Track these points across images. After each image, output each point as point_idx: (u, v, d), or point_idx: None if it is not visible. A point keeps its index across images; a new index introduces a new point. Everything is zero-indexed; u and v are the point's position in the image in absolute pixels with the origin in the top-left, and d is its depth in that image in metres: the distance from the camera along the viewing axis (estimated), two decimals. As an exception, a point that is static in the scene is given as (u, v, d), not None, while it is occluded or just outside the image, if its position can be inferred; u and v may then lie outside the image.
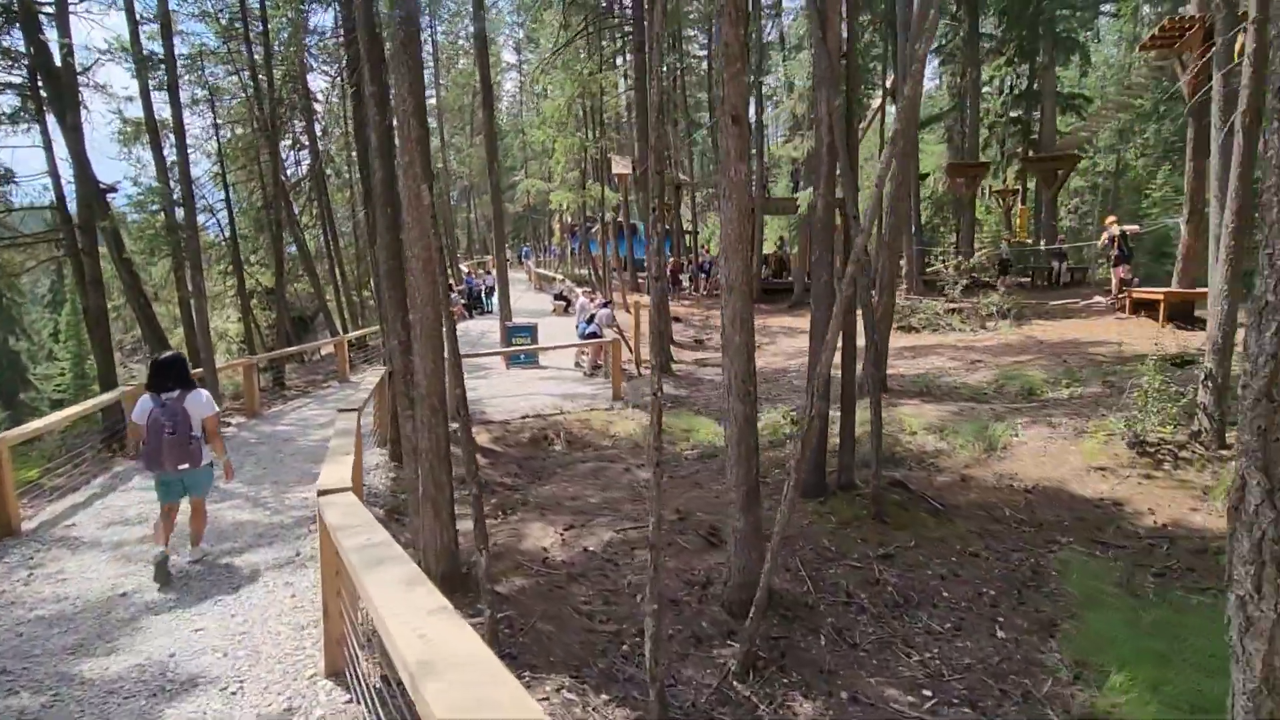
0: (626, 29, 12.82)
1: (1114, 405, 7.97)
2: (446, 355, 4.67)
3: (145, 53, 12.32)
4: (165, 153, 12.45)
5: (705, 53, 28.70)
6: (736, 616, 4.21)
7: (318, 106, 22.24)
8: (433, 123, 34.74)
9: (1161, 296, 13.34)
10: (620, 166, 30.76)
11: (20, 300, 32.52)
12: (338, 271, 21.27)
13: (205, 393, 4.92)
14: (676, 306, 21.56)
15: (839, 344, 6.03)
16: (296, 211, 19.88)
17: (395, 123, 5.95)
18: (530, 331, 15.78)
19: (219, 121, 16.16)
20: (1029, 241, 22.92)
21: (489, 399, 11.31)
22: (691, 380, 13.28)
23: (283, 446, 9.08)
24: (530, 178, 33.05)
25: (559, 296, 26.81)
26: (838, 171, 6.03)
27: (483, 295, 26.26)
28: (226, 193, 15.41)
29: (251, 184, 18.90)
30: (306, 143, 21.28)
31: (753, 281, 6.08)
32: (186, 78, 15.48)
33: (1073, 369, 10.17)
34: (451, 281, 28.47)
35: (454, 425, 4.82)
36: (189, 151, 12.20)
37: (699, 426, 9.26)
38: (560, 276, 31.06)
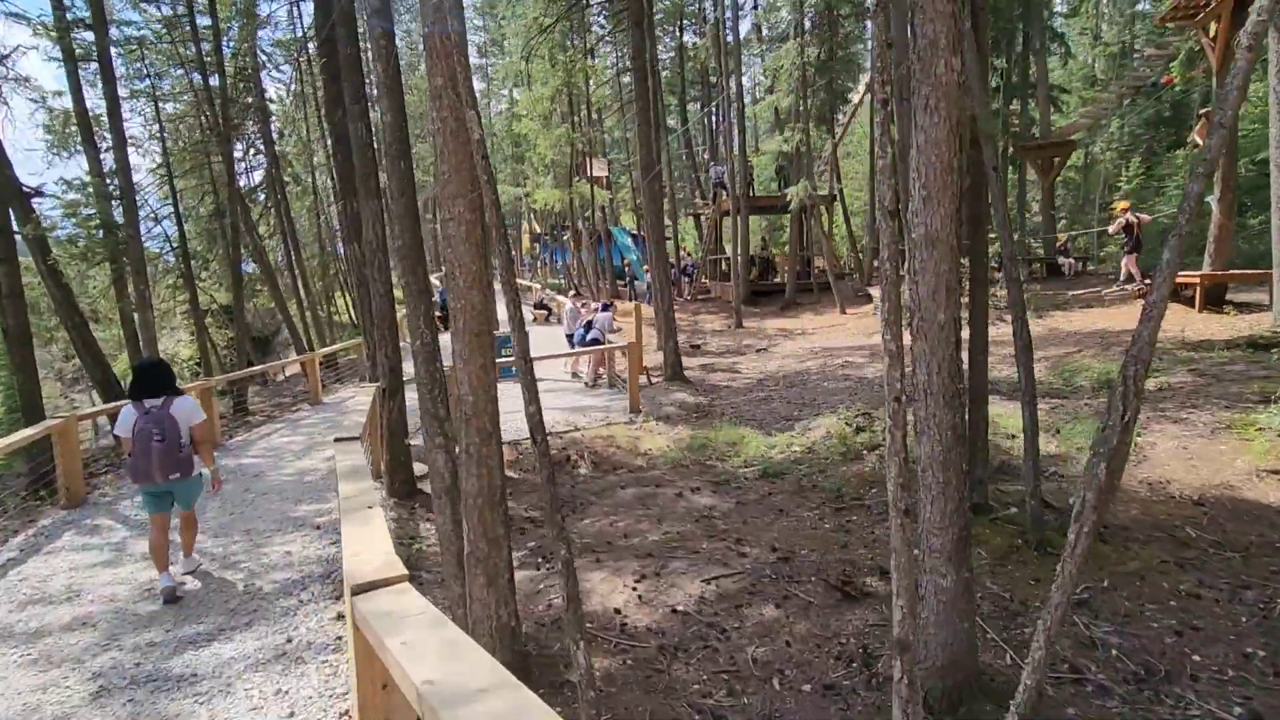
0: (620, 9, 11.69)
1: (1221, 395, 6.99)
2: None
3: (75, 38, 10.71)
4: (104, 157, 10.86)
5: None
6: (938, 712, 2.98)
7: (272, 107, 20.59)
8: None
9: (1198, 280, 12.62)
10: (598, 168, 29.61)
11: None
12: (300, 285, 19.56)
13: (192, 398, 4.68)
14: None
15: (955, 335, 4.86)
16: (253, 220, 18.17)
17: (378, 80, 4.65)
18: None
19: (164, 120, 14.43)
20: (1012, 236, 22.36)
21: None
22: (706, 387, 12.06)
23: (252, 484, 7.57)
24: (500, 184, 31.59)
25: (540, 305, 25.43)
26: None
27: (457, 306, 24.72)
28: (174, 196, 13.72)
29: (202, 189, 17.14)
30: (261, 147, 19.61)
31: (957, 234, 5.01)
32: (125, 69, 13.80)
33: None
34: (436, 288, 26.90)
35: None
36: (129, 149, 10.62)
37: (744, 439, 8.02)
38: (539, 285, 29.67)
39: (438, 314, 24.18)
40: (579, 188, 19.02)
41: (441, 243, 3.25)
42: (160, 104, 14.61)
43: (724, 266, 29.48)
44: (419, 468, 7.70)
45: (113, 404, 10.68)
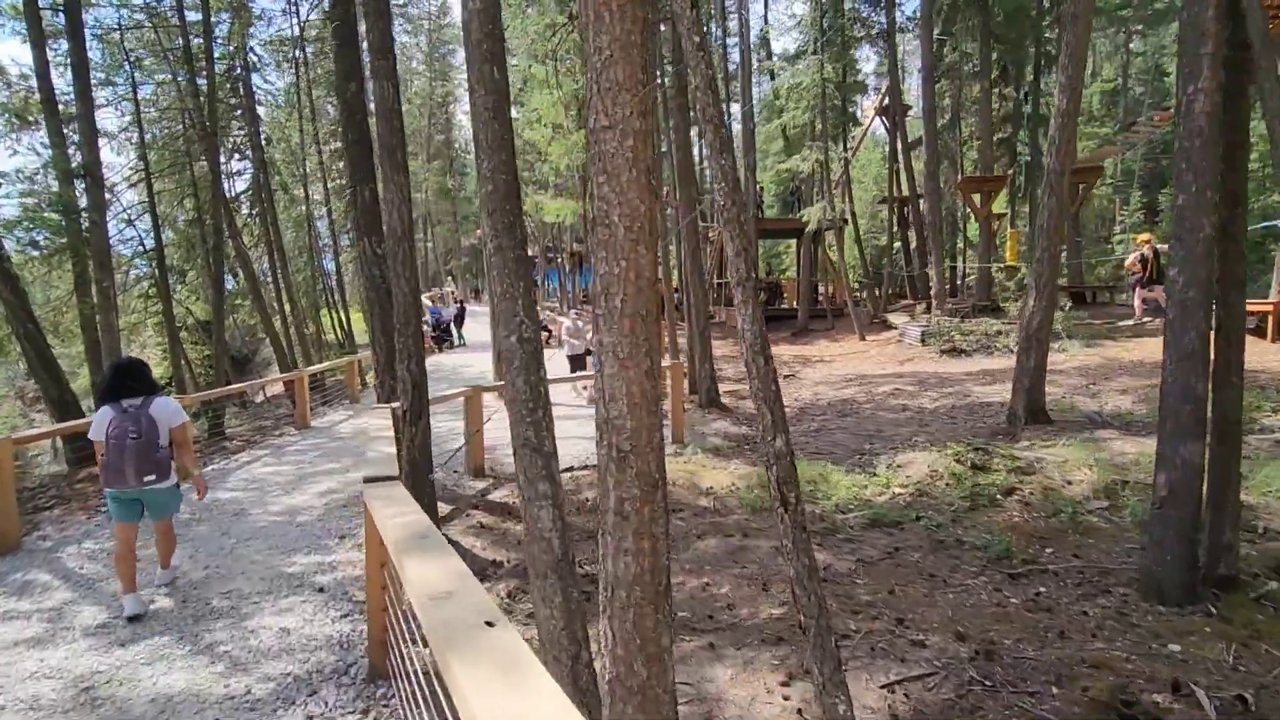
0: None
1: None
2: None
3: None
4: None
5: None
6: None
7: (261, 111, 19.34)
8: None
9: (1270, 308, 11.76)
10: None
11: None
12: (286, 300, 18.13)
13: (173, 400, 4.47)
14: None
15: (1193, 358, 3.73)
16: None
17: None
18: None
19: (143, 115, 13.09)
20: (1021, 267, 21.66)
21: (505, 446, 8.62)
22: (745, 415, 10.84)
23: (232, 525, 6.18)
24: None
25: (547, 327, 24.19)
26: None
27: (450, 326, 23.36)
28: (150, 195, 12.33)
29: (181, 192, 15.75)
30: (249, 152, 18.31)
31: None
32: (101, 56, 12.51)
33: (1257, 389, 8.21)
34: (426, 307, 25.57)
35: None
36: (100, 141, 9.31)
37: (826, 477, 6.79)
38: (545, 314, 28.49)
39: (430, 334, 22.88)
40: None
41: (605, 182, 2.01)
42: (140, 96, 13.27)
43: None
44: (441, 507, 6.37)
45: (68, 423, 9.21)
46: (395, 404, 6.30)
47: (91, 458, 9.94)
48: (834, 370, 16.26)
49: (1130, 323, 14.73)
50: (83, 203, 6.64)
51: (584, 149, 15.75)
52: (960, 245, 27.90)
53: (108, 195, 13.79)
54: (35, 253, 11.01)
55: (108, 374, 4.47)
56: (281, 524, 6.15)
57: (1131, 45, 36.42)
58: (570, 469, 7.61)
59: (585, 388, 12.64)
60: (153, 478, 4.15)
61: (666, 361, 10.17)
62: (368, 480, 3.19)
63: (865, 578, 4.51)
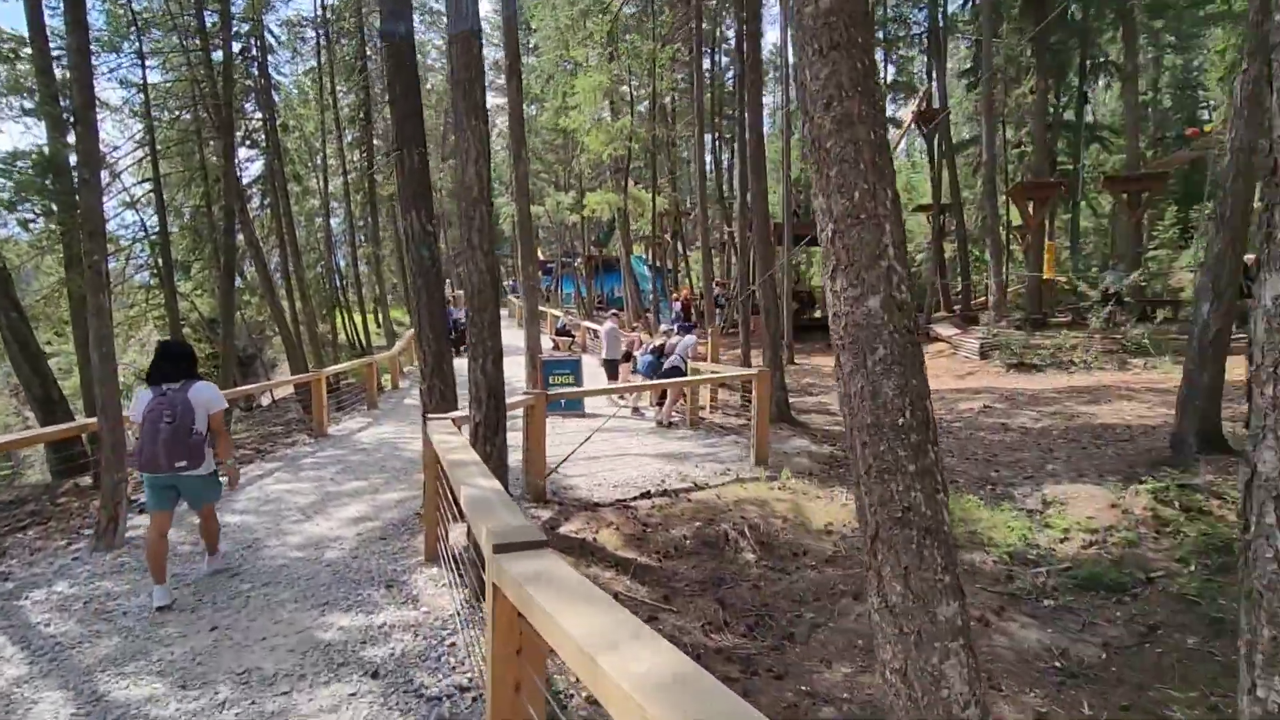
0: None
1: None
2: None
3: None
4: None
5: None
6: None
7: (275, 97, 18.19)
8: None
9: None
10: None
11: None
12: (297, 296, 16.91)
13: (212, 385, 4.32)
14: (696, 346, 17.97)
15: None
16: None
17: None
18: (574, 368, 11.91)
19: (150, 91, 11.89)
20: (1061, 279, 20.47)
21: (566, 460, 7.41)
22: (819, 432, 9.60)
23: (245, 561, 4.94)
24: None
25: (562, 331, 22.93)
26: None
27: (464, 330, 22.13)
28: (156, 176, 11.11)
29: (189, 176, 14.56)
30: (263, 138, 17.15)
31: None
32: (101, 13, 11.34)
33: None
34: None
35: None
36: (100, 113, 8.12)
37: (974, 515, 5.53)
38: (559, 311, 27.22)
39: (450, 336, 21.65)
40: (635, 194, 16.62)
41: None
42: (147, 67, 12.08)
43: (757, 300, 27.39)
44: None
45: (53, 428, 7.98)
46: (456, 413, 5.06)
47: (80, 468, 8.72)
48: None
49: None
50: (73, 162, 5.52)
51: (631, 136, 14.60)
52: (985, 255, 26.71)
53: (107, 177, 12.64)
54: (25, 236, 9.83)
55: (153, 356, 4.34)
56: (306, 562, 4.89)
57: (1164, 59, 35.40)
58: (647, 493, 6.36)
59: (622, 398, 11.40)
60: (184, 464, 4.08)
61: (735, 368, 8.95)
62: (501, 549, 1.92)
63: (1130, 672, 3.25)
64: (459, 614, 3.87)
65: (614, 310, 13.52)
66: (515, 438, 6.72)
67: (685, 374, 10.45)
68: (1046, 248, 21.92)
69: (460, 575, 4.34)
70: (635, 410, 11.22)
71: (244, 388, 10.42)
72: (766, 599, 4.39)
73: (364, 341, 21.93)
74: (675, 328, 11.41)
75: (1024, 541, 4.93)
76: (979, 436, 8.71)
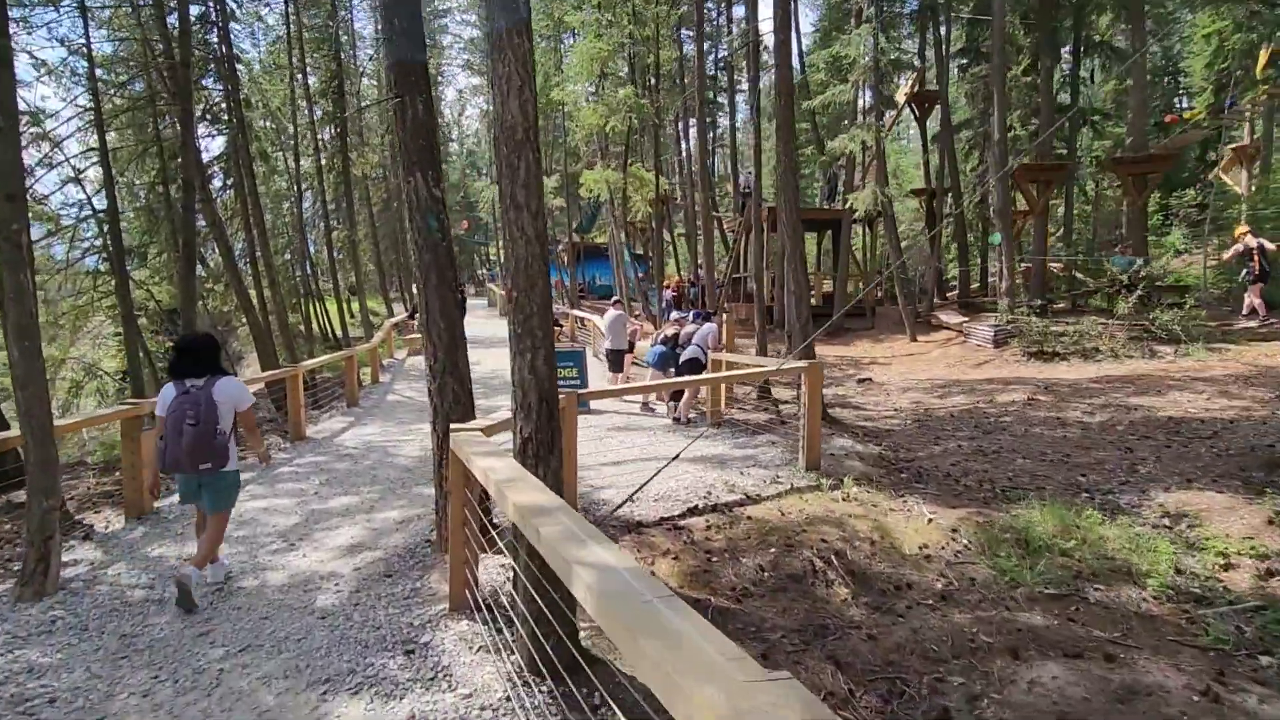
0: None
1: None
2: None
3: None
4: None
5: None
6: None
7: (239, 69, 16.73)
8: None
9: None
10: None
11: None
12: (265, 284, 15.58)
13: (238, 381, 4.20)
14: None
15: None
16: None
17: None
18: (577, 360, 10.89)
19: (92, 38, 10.45)
20: (1057, 265, 19.98)
21: (586, 469, 6.43)
22: (867, 431, 8.74)
23: (216, 611, 3.89)
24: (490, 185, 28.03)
25: (559, 321, 21.87)
26: None
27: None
28: (101, 139, 9.73)
29: (143, 152, 13.14)
30: (224, 113, 15.72)
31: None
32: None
33: None
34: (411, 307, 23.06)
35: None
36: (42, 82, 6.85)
37: (1097, 534, 4.67)
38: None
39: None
40: (636, 171, 15.54)
41: None
42: (91, 27, 10.64)
43: (748, 287, 26.48)
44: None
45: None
46: (483, 421, 4.05)
47: (16, 484, 7.49)
48: (900, 375, 14.26)
49: (1253, 324, 12.96)
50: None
51: (635, 108, 13.56)
52: (972, 241, 26.23)
53: (46, 147, 11.24)
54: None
55: (174, 350, 4.31)
56: (295, 612, 3.86)
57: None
58: (695, 509, 5.42)
59: (660, 398, 10.40)
60: (209, 465, 3.98)
61: (784, 360, 7.99)
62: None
63: None
64: (514, 696, 2.88)
65: (616, 297, 12.48)
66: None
67: (706, 365, 9.51)
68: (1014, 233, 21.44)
69: (505, 632, 3.35)
70: (645, 406, 10.26)
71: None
72: (889, 655, 3.47)
73: (338, 333, 20.60)
74: (690, 315, 10.43)
75: (1177, 570, 4.10)
76: (1037, 433, 7.92)
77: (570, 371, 10.91)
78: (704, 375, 8.73)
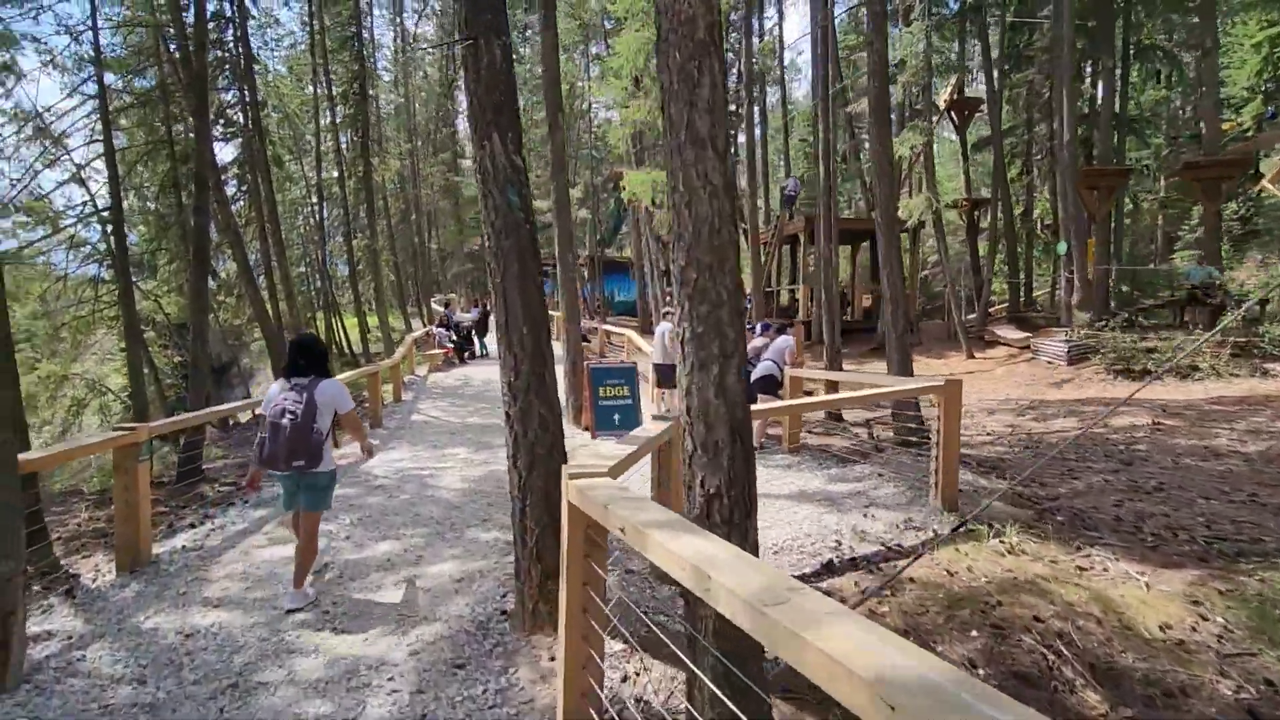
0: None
1: None
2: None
3: None
4: None
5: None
6: None
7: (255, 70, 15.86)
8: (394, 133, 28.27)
9: None
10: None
11: None
12: (281, 297, 14.60)
13: (338, 383, 4.18)
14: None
15: None
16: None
17: None
18: (628, 377, 9.79)
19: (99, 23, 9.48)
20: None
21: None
22: (980, 460, 7.54)
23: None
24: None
25: (586, 336, 20.78)
26: None
27: (472, 334, 19.84)
28: (108, 143, 8.71)
29: (152, 154, 12.20)
30: (238, 116, 14.83)
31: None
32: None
33: None
34: (442, 313, 22.06)
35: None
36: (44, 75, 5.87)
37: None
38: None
39: (452, 341, 19.34)
40: None
41: None
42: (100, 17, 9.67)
43: (783, 300, 25.32)
44: None
45: None
46: (607, 459, 2.92)
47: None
48: (969, 394, 13.08)
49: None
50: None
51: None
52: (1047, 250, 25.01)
53: (51, 146, 10.28)
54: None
55: (288, 350, 4.33)
56: (338, 733, 2.71)
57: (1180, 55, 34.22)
58: (830, 565, 4.25)
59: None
60: (301, 462, 3.95)
61: (918, 377, 6.77)
62: None
63: None
64: None
65: (668, 309, 11.39)
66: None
67: (782, 383, 8.38)
68: (1089, 244, 20.28)
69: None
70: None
71: (224, 407, 8.13)
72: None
73: (354, 348, 19.57)
74: (759, 328, 9.31)
75: None
76: (1191, 465, 6.73)
77: (620, 390, 9.82)
78: (840, 395, 7.53)
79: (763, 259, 27.98)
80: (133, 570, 4.64)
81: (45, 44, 8.69)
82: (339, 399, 4.14)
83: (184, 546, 5.17)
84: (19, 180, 8.87)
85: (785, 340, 8.45)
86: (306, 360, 4.11)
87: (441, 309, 28.83)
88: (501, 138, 3.64)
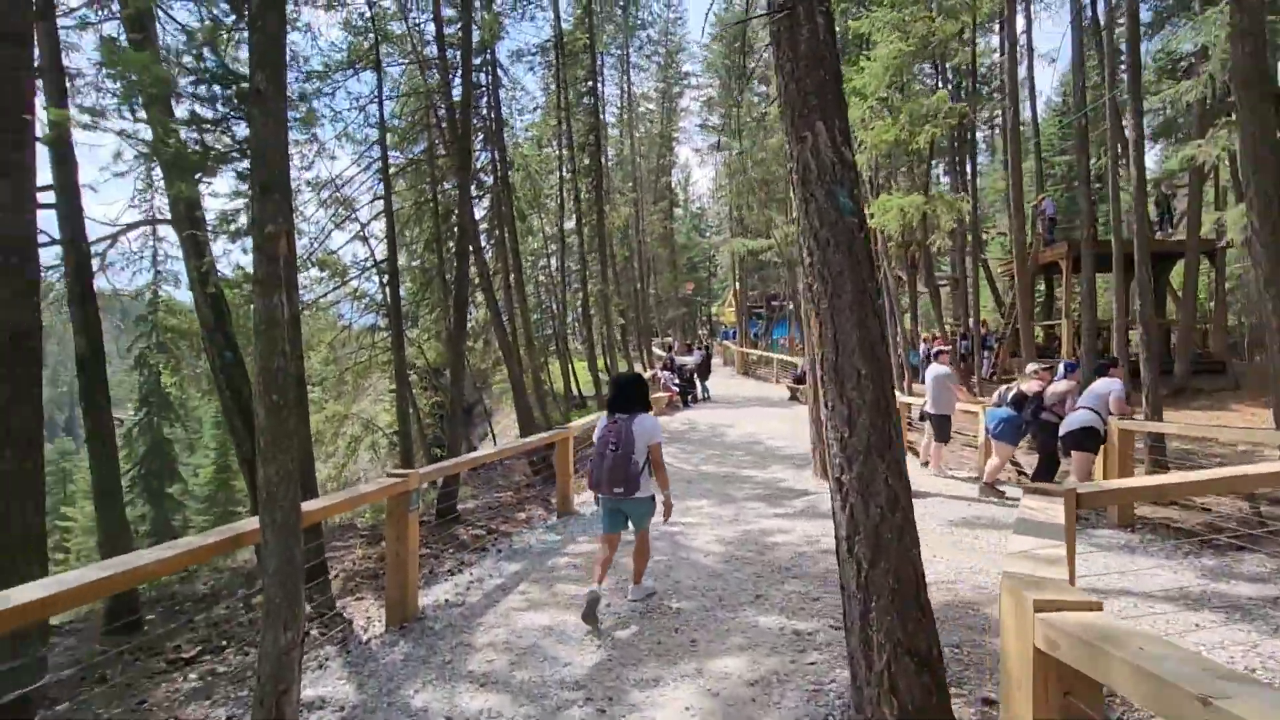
0: None
1: None
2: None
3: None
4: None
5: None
6: None
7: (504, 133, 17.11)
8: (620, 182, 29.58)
9: None
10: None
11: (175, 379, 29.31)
12: (522, 342, 15.26)
13: (652, 418, 4.53)
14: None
15: None
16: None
17: None
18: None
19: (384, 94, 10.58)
20: None
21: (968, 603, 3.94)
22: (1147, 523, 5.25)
23: None
24: (736, 237, 26.80)
25: (802, 379, 19.61)
26: None
27: (694, 377, 19.46)
28: (387, 190, 9.69)
29: (419, 216, 13.44)
30: (488, 179, 16.04)
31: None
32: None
33: None
34: (665, 356, 22.19)
35: None
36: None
37: None
38: (802, 361, 24.01)
39: (676, 385, 19.15)
40: (942, 196, 13.03)
41: None
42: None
43: (1041, 338, 22.02)
44: None
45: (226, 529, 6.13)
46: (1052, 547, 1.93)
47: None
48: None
49: None
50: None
51: (945, 117, 11.21)
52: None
53: (342, 210, 11.63)
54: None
55: (610, 387, 4.84)
56: None
57: None
58: None
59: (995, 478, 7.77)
60: (621, 490, 4.32)
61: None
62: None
63: None
64: None
65: (938, 348, 9.96)
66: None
67: (1104, 438, 6.62)
68: None
69: None
70: (990, 487, 7.49)
71: (481, 453, 8.29)
72: None
73: (584, 392, 20.13)
74: (1061, 368, 7.60)
75: None
76: None
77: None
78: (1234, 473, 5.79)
79: (999, 289, 24.73)
80: (401, 626, 4.43)
81: (340, 115, 9.76)
82: (654, 432, 4.43)
83: (446, 600, 4.93)
84: (315, 239, 10.16)
85: (1108, 384, 6.70)
86: (627, 396, 4.48)
87: (665, 353, 29.16)
88: (828, 126, 2.86)
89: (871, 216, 11.42)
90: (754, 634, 4.08)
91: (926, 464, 9.33)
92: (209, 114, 4.44)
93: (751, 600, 4.66)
